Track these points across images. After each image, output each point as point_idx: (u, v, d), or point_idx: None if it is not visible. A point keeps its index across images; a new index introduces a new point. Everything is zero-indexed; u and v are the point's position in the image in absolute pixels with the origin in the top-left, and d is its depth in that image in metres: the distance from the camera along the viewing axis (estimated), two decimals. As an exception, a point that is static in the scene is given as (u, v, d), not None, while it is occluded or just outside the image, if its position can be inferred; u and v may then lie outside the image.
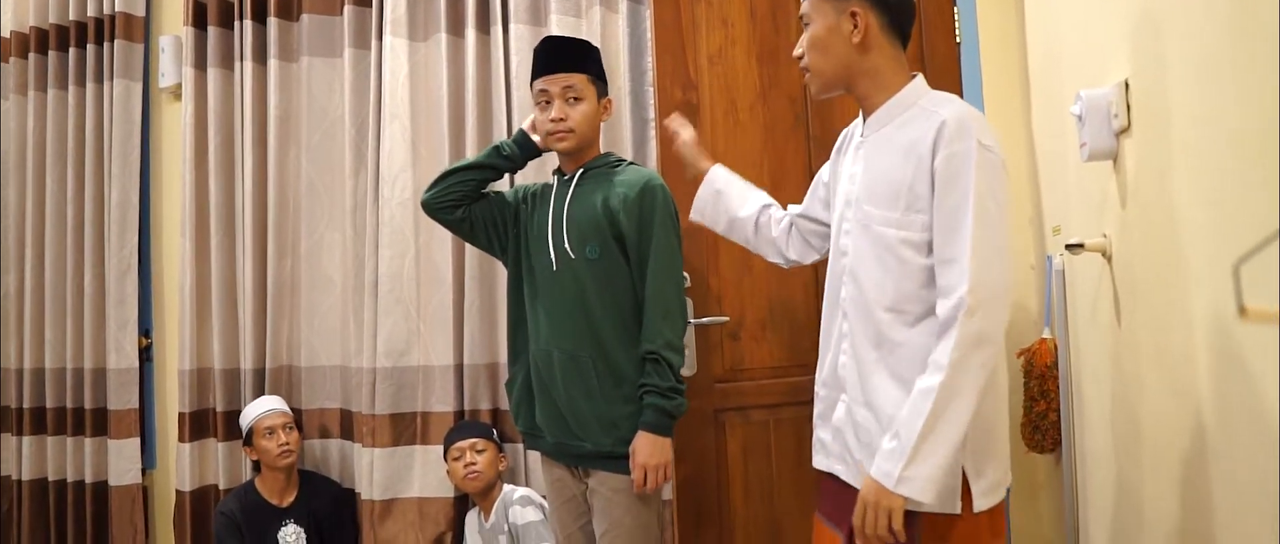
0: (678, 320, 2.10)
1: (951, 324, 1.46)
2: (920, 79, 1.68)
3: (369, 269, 2.93)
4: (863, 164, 1.68)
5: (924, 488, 1.46)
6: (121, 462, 3.29)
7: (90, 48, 3.41)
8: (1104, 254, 1.75)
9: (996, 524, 1.58)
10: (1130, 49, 1.51)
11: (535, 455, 2.80)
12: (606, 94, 2.22)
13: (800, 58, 1.73)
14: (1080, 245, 1.79)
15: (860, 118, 1.75)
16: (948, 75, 2.70)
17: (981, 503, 1.54)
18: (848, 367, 1.65)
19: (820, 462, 1.75)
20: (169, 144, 3.42)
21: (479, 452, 2.70)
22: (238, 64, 3.16)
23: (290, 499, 2.93)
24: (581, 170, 2.18)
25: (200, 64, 3.23)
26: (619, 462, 2.06)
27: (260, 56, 3.15)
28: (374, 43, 2.96)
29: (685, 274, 2.46)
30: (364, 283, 2.96)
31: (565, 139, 2.13)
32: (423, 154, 2.94)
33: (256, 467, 2.95)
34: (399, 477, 2.89)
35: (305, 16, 3.10)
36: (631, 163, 2.22)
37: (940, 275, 1.51)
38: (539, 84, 2.15)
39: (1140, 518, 1.62)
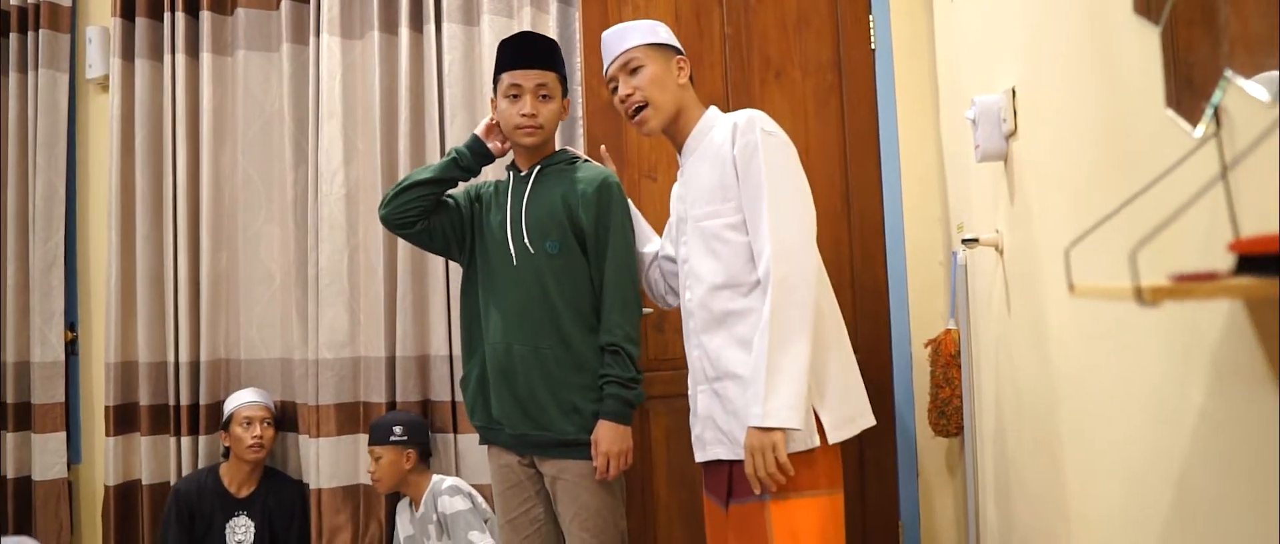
0: (634, 312, 2.15)
1: (767, 280, 1.79)
2: (714, 109, 2.07)
3: (311, 262, 2.97)
4: (685, 185, 2.03)
5: (788, 415, 1.73)
6: (46, 456, 3.26)
7: (14, 37, 3.37)
8: (996, 248, 1.89)
9: (835, 471, 1.88)
10: (1017, 59, 1.65)
11: (467, 444, 2.87)
12: (567, 94, 2.27)
13: (630, 97, 2.01)
14: (975, 240, 1.93)
15: (679, 154, 2.08)
16: (863, 81, 2.84)
17: (835, 435, 1.82)
18: (701, 358, 1.95)
19: (700, 456, 2.00)
20: (96, 136, 3.40)
21: (376, 459, 2.74)
22: (168, 56, 3.16)
23: (248, 491, 2.95)
24: (539, 166, 2.21)
25: (128, 55, 3.22)
26: (582, 449, 2.11)
27: (192, 49, 3.16)
28: (312, 39, 3.00)
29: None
30: (306, 276, 3.00)
31: (533, 134, 2.16)
32: (360, 149, 2.99)
33: (226, 453, 2.96)
34: (344, 465, 2.95)
35: (241, 11, 3.12)
36: (586, 160, 2.26)
37: (754, 245, 1.85)
38: (511, 78, 2.16)
39: (1021, 488, 1.76)
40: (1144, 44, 0.98)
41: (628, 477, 2.74)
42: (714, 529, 2.00)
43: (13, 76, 3.36)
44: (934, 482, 2.80)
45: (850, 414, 1.89)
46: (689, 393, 2.07)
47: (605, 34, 2.09)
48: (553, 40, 2.24)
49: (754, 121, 1.88)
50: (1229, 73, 0.78)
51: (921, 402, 2.76)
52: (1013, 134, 1.69)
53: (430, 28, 2.94)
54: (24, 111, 3.34)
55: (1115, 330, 1.14)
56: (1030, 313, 1.61)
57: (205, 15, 3.13)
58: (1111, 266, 1.10)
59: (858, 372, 1.97)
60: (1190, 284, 0.60)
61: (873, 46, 2.85)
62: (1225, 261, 0.68)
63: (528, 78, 2.15)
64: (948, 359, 2.42)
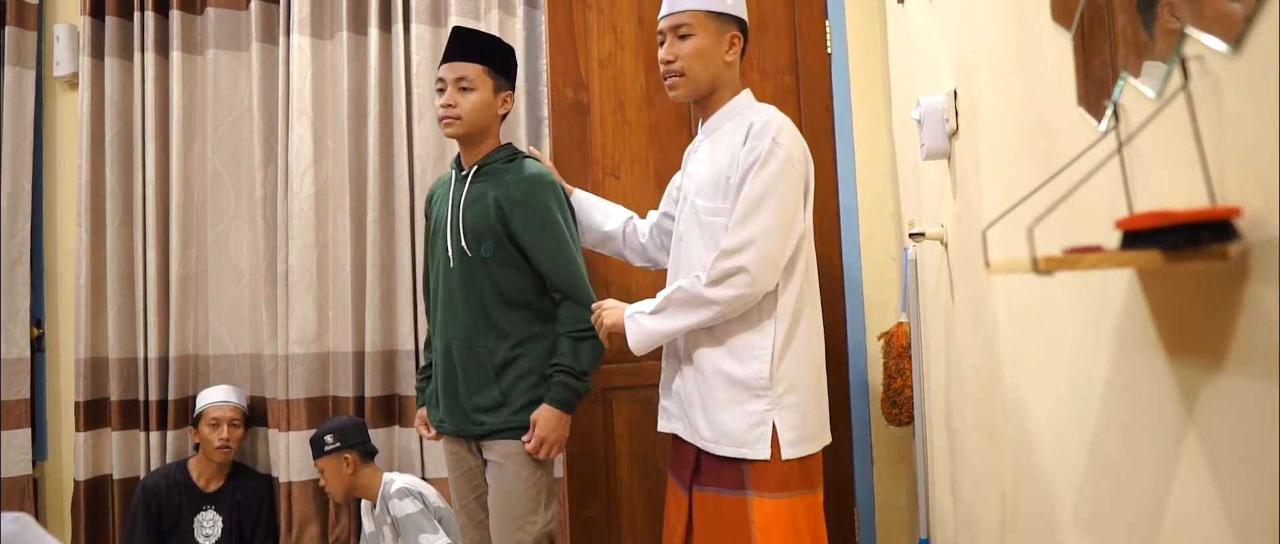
0: (583, 304, 2.18)
1: (709, 265, 1.86)
2: (748, 92, 2.05)
3: (280, 259, 3.01)
4: (697, 163, 2.03)
5: (633, 333, 1.94)
6: (11, 452, 3.27)
7: (-20, 35, 3.38)
8: (942, 241, 2.00)
9: (811, 473, 1.93)
10: (957, 63, 1.75)
11: (407, 435, 2.95)
12: (508, 88, 2.27)
13: (672, 62, 1.97)
14: (922, 234, 2.04)
15: (700, 124, 2.07)
16: (820, 84, 2.95)
17: (790, 452, 1.88)
18: (684, 336, 2.00)
19: (663, 425, 2.09)
20: (64, 133, 3.42)
21: (320, 472, 2.78)
22: (138, 55, 3.19)
23: (216, 486, 2.98)
24: (477, 166, 2.24)
25: (97, 53, 3.25)
26: (513, 432, 2.18)
27: (162, 48, 3.19)
28: (282, 39, 3.05)
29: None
30: (275, 273, 3.04)
31: (451, 125, 2.20)
32: (329, 148, 3.04)
33: (196, 448, 2.99)
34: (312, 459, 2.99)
35: (211, 10, 3.16)
36: (527, 157, 2.28)
37: (725, 233, 1.88)
38: (439, 73, 2.24)
39: (965, 468, 1.87)
40: (1060, 49, 1.08)
41: (590, 469, 2.82)
42: (675, 505, 2.06)
43: (-21, 74, 3.36)
44: (887, 470, 2.91)
45: (810, 433, 1.93)
46: (663, 359, 2.13)
47: None
48: (490, 36, 2.25)
49: (769, 129, 1.88)
50: (1124, 73, 0.88)
51: (875, 392, 2.86)
52: (954, 133, 1.80)
53: (399, 28, 3.00)
54: (-10, 109, 3.35)
55: (1041, 312, 1.24)
56: (971, 301, 1.72)
57: (175, 14, 3.17)
58: (1037, 251, 1.20)
59: (825, 392, 2.02)
60: (1078, 256, 0.70)
61: (829, 50, 2.95)
62: (1118, 239, 0.78)
63: (449, 71, 2.21)
64: (899, 350, 2.52)
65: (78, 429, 3.16)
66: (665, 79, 2.01)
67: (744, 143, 1.88)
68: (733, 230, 1.84)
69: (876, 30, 2.92)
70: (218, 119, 3.18)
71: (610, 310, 2.04)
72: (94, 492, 3.18)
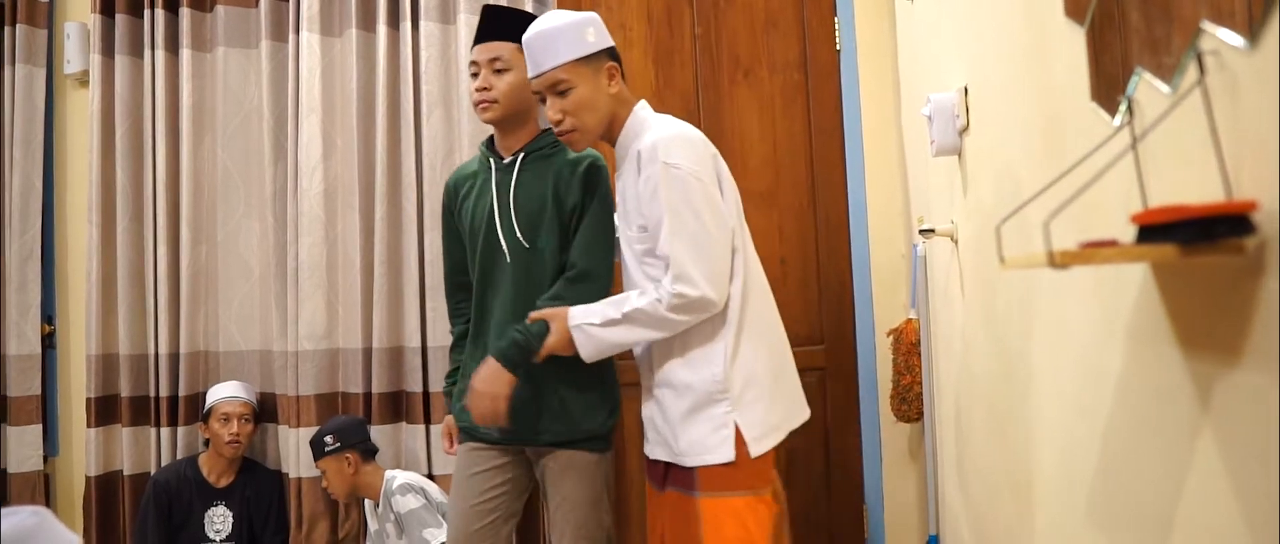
0: (588, 293, 2.03)
1: (664, 296, 1.83)
2: (641, 105, 1.98)
3: (290, 256, 3.02)
4: (619, 195, 2.02)
5: (583, 344, 1.91)
6: (22, 449, 3.29)
7: (-10, 33, 3.40)
8: (952, 238, 2.00)
9: (760, 473, 1.90)
10: (967, 58, 1.75)
11: (440, 434, 2.93)
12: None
13: (561, 120, 1.92)
14: (932, 230, 2.03)
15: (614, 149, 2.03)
16: (829, 81, 2.95)
17: (758, 448, 1.88)
18: (644, 359, 2.02)
19: (647, 449, 2.04)
20: (75, 131, 3.44)
21: (322, 473, 2.79)
22: (148, 52, 3.20)
23: (227, 481, 3.00)
24: (523, 153, 2.13)
25: (108, 51, 3.26)
26: (582, 443, 2.10)
27: (172, 46, 3.20)
28: (291, 36, 3.06)
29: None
30: (285, 270, 3.05)
31: (489, 109, 2.08)
32: (338, 145, 3.05)
33: (206, 444, 3.01)
34: (323, 454, 3.00)
35: (220, 8, 3.17)
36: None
37: (665, 264, 1.86)
38: (472, 57, 2.13)
39: (974, 464, 1.87)
40: (1072, 44, 1.08)
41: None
42: (653, 508, 2.08)
43: (-11, 71, 3.38)
44: (896, 466, 2.91)
45: (776, 423, 1.92)
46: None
47: (528, 38, 1.94)
48: (520, 12, 2.14)
49: (656, 152, 1.84)
50: (1138, 68, 0.88)
51: (884, 390, 2.86)
52: (965, 129, 1.80)
53: (407, 26, 3.01)
54: (0, 107, 3.37)
55: (1052, 308, 1.24)
56: (982, 297, 1.72)
57: (185, 12, 3.18)
58: (1053, 245, 1.20)
59: (792, 370, 2.02)
60: (1093, 250, 0.69)
61: (838, 47, 2.95)
62: (1133, 234, 0.78)
63: (482, 52, 2.10)
64: (909, 347, 2.53)
65: (89, 425, 3.18)
66: (561, 136, 1.96)
67: (639, 172, 1.87)
68: (674, 261, 1.82)
69: (885, 27, 2.91)
70: (227, 116, 3.19)
71: (557, 320, 1.95)
72: (105, 488, 3.20)
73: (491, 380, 1.96)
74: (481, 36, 2.11)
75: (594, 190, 2.09)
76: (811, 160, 2.95)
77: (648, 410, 2.01)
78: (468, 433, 2.19)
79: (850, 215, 2.94)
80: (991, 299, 1.63)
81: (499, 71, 2.09)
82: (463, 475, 2.19)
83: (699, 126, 2.95)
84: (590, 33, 1.93)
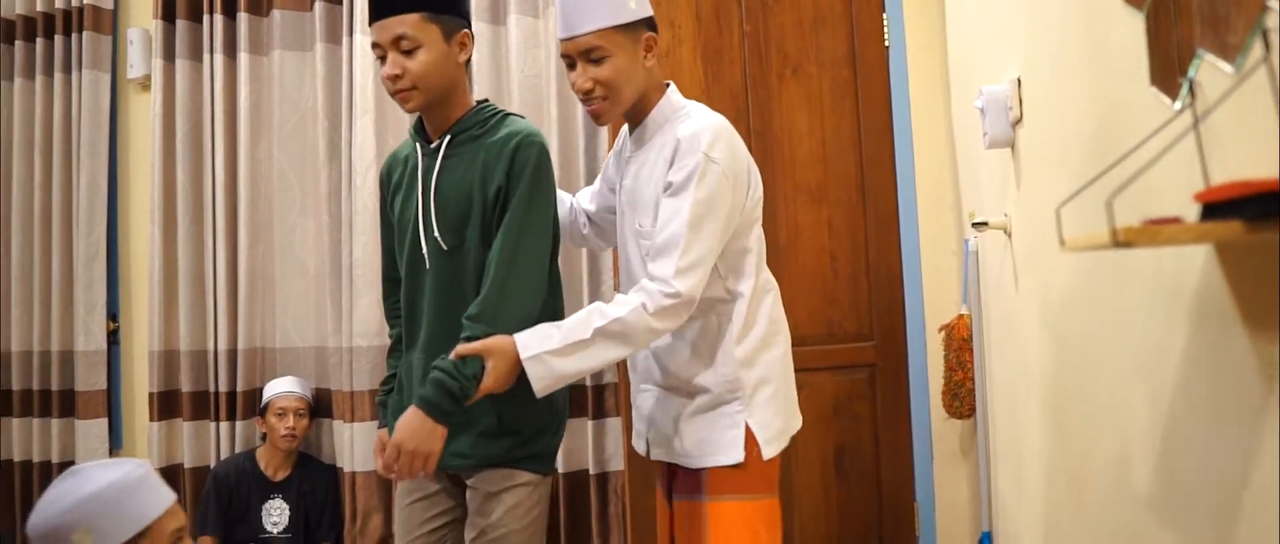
0: (520, 301, 1.73)
1: (653, 294, 1.65)
2: (673, 89, 1.84)
3: (344, 254, 3.08)
4: (631, 179, 1.84)
5: (541, 378, 1.65)
6: (89, 442, 3.39)
7: (58, 39, 3.50)
8: (1005, 231, 1.99)
9: (771, 476, 1.82)
10: (1021, 49, 1.74)
11: (339, 426, 3.00)
12: (462, 25, 1.81)
13: (590, 89, 1.74)
14: (984, 223, 2.02)
15: (626, 128, 1.89)
16: (877, 77, 2.94)
17: (769, 450, 1.77)
18: (648, 359, 1.89)
19: (639, 446, 1.95)
20: (137, 133, 3.53)
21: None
22: (207, 56, 3.28)
23: (283, 475, 3.06)
24: (449, 135, 1.82)
25: (169, 56, 3.34)
26: (512, 462, 1.80)
27: (230, 50, 3.28)
28: (345, 38, 3.12)
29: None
30: (340, 268, 3.11)
31: (408, 98, 1.77)
32: (391, 144, 3.10)
33: (263, 438, 3.08)
34: (377, 449, 3.06)
35: (276, 12, 3.24)
36: (510, 114, 1.88)
37: (653, 255, 1.68)
38: (371, 36, 1.78)
39: (1031, 458, 1.86)
40: (1131, 29, 1.08)
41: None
42: (661, 517, 1.98)
43: (57, 77, 3.49)
44: (948, 464, 2.89)
45: (782, 428, 1.83)
46: (631, 388, 2.00)
47: None
48: None
49: (699, 142, 1.68)
50: (1200, 50, 0.87)
51: (935, 386, 2.85)
52: (1018, 121, 1.79)
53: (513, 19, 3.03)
54: (68, 110, 3.47)
55: (1112, 293, 1.24)
56: (1037, 288, 1.71)
57: (242, 17, 3.26)
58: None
59: (793, 378, 1.91)
60: (1157, 227, 0.70)
61: (887, 43, 2.94)
62: (1197, 214, 0.78)
63: (381, 32, 1.75)
64: (960, 343, 2.51)
65: (151, 419, 3.27)
66: (586, 105, 1.78)
67: (672, 161, 1.70)
68: (682, 253, 1.65)
69: (935, 21, 2.90)
70: (283, 118, 3.26)
71: (498, 355, 1.67)
72: (166, 480, 3.25)
73: (419, 435, 1.65)
74: (377, 11, 1.75)
75: (521, 172, 1.75)
76: (861, 156, 2.94)
77: (646, 408, 1.90)
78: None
79: (900, 210, 2.93)
80: (1047, 291, 1.62)
81: (408, 51, 1.74)
82: (401, 503, 1.90)
83: (748, 123, 2.97)
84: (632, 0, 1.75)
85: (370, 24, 1.77)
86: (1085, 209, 1.27)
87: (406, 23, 1.73)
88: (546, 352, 1.66)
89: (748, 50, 2.98)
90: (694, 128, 1.71)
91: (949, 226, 2.88)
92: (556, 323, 1.71)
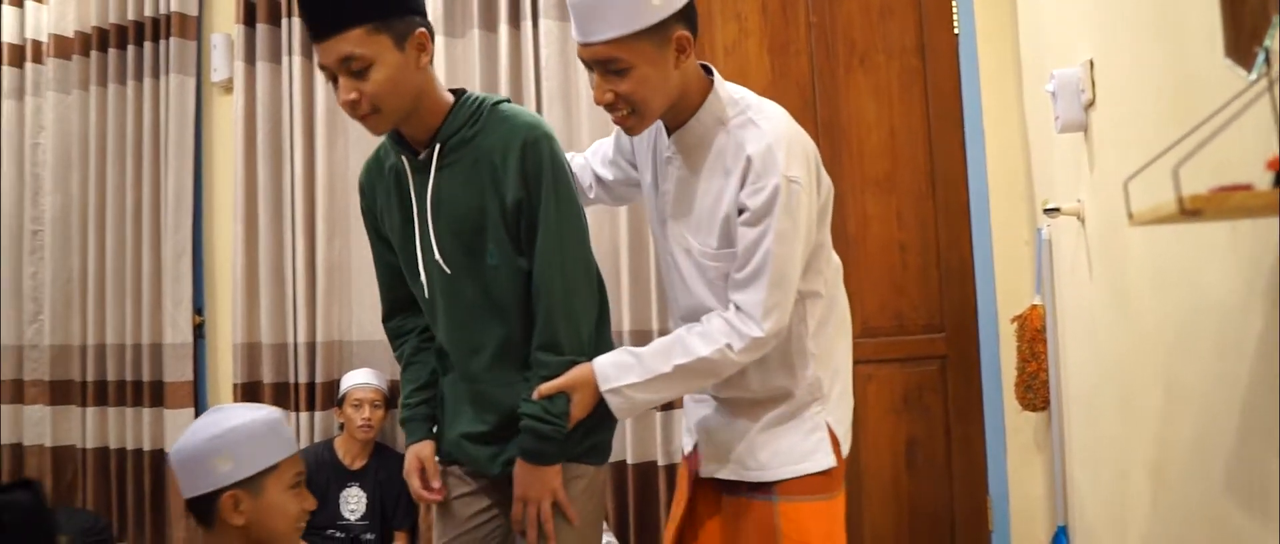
0: (581, 316, 1.62)
1: (735, 328, 1.53)
2: (718, 84, 1.60)
3: (418, 250, 3.16)
4: (674, 185, 1.65)
5: (621, 408, 1.59)
6: (177, 431, 3.52)
7: (147, 46, 3.64)
8: (1078, 217, 1.95)
9: (843, 469, 1.70)
10: (1093, 31, 1.71)
11: None
12: (416, 24, 1.55)
13: (614, 104, 1.53)
14: (1057, 209, 1.99)
15: (666, 134, 1.65)
16: (946, 64, 2.91)
17: (846, 447, 1.68)
18: None
19: (704, 471, 1.74)
20: (220, 134, 3.66)
21: None
22: (285, 59, 3.39)
23: (360, 464, 3.15)
24: (438, 145, 1.61)
25: (250, 59, 3.46)
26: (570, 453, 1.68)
27: (307, 52, 3.38)
28: (415, 37, 3.19)
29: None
30: (414, 262, 3.19)
31: (372, 121, 1.56)
32: (461, 139, 3.17)
33: (340, 428, 3.18)
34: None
35: (350, 14, 3.33)
36: (500, 102, 1.64)
37: (737, 288, 1.55)
38: (317, 58, 1.54)
39: (1107, 448, 1.82)
40: (1205, 2, 1.06)
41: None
42: (679, 505, 1.81)
43: (146, 82, 3.63)
44: (1022, 457, 2.84)
45: (848, 425, 1.72)
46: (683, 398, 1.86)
47: None
48: None
49: (775, 161, 1.50)
50: (1276, 17, 0.86)
51: (1008, 378, 2.80)
52: (1091, 103, 1.75)
53: (527, 25, 3.09)
54: (156, 113, 3.62)
55: (1189, 276, 1.21)
56: (1111, 274, 1.67)
57: (319, 19, 3.35)
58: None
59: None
60: (1225, 193, 0.69)
61: (956, 31, 2.91)
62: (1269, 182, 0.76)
63: (326, 54, 1.50)
64: (1034, 333, 2.47)
65: (236, 410, 3.38)
66: (613, 118, 1.58)
67: (744, 182, 1.52)
68: (766, 295, 1.52)
69: (1005, 6, 2.85)
70: (359, 117, 3.35)
71: (581, 387, 1.59)
72: (250, 469, 3.39)
73: (536, 485, 1.60)
74: (315, 31, 1.50)
75: (538, 177, 1.58)
76: (930, 145, 2.91)
77: (704, 421, 1.74)
78: (444, 458, 1.80)
79: (971, 199, 2.89)
80: (1121, 276, 1.59)
81: (359, 72, 1.50)
82: (444, 505, 1.79)
83: (815, 115, 2.96)
84: None
85: (314, 43, 1.52)
86: (1160, 186, 1.25)
87: (350, 41, 1.48)
88: (626, 386, 1.58)
89: (814, 41, 2.97)
90: (766, 143, 1.52)
91: (1022, 215, 2.83)
92: (635, 352, 1.60)
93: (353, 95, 1.50)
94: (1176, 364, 1.30)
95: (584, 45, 1.51)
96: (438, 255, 1.62)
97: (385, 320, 1.86)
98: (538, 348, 1.60)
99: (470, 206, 1.60)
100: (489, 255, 1.61)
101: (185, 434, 1.62)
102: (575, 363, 1.59)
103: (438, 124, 1.60)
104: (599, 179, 1.89)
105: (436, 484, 1.74)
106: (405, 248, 1.68)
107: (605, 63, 1.49)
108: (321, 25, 1.48)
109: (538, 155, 1.56)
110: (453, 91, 1.64)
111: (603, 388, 1.57)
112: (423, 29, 1.55)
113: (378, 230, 1.76)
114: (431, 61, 1.58)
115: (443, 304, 1.67)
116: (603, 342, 1.67)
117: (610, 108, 1.54)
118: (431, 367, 1.78)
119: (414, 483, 1.74)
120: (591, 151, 1.94)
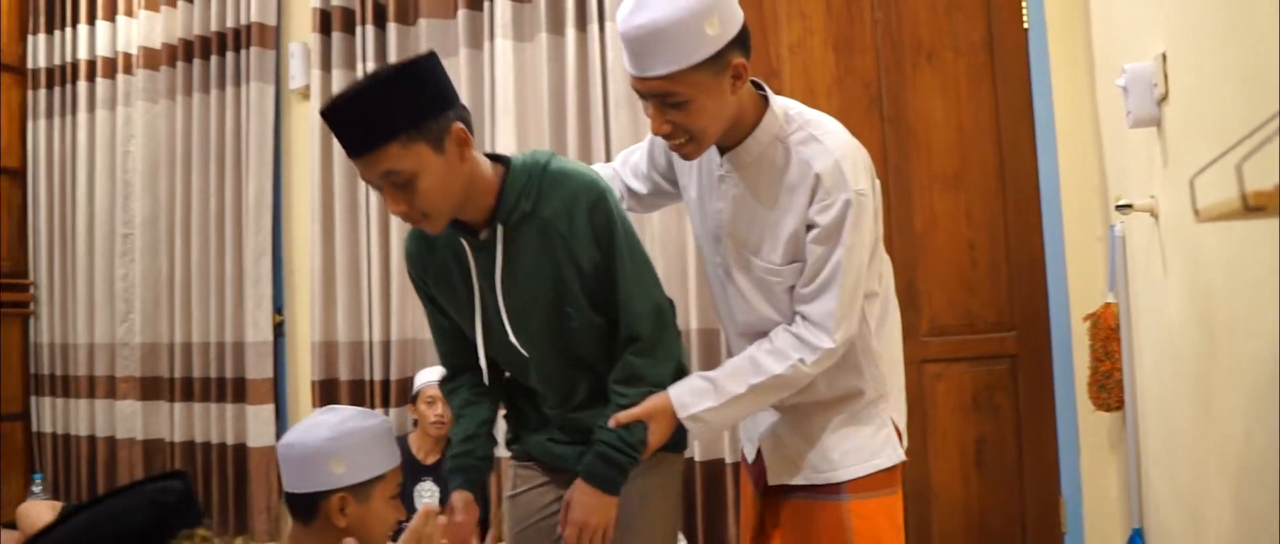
0: (665, 360, 1.64)
1: (807, 341, 1.56)
2: (774, 102, 1.61)
3: (488, 252, 3.23)
4: (730, 203, 1.64)
5: (700, 433, 1.64)
6: (258, 426, 3.66)
7: (229, 56, 3.79)
8: (1152, 213, 1.92)
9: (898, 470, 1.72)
10: (1166, 24, 1.68)
11: None
12: (453, 120, 1.50)
13: (671, 134, 1.54)
14: (1130, 206, 1.96)
15: (720, 153, 1.64)
16: (1016, 60, 2.87)
17: (907, 439, 1.72)
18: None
19: (773, 479, 1.74)
20: (298, 140, 3.78)
21: None
22: (360, 65, 3.49)
23: (433, 459, 3.23)
24: (499, 224, 1.58)
25: (326, 67, 3.57)
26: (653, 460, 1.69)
27: (381, 58, 3.47)
28: (486, 43, 3.26)
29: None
30: (483, 263, 3.26)
31: (431, 226, 1.54)
32: (532, 144, 3.23)
33: (414, 424, 3.27)
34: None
35: (422, 21, 3.42)
36: (547, 165, 1.61)
37: (805, 301, 1.58)
38: (360, 171, 1.51)
39: (1183, 448, 1.79)
40: (1279, -6, 1.04)
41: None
42: (748, 511, 1.84)
43: (228, 90, 3.78)
44: (1095, 457, 2.79)
45: (905, 419, 1.75)
46: None
47: (628, 31, 1.47)
48: (372, 86, 1.46)
49: (845, 178, 1.52)
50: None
51: (1081, 377, 2.75)
52: (1164, 98, 1.73)
53: (594, 27, 3.13)
54: (238, 120, 3.75)
55: (1263, 271, 1.19)
56: (1185, 271, 1.65)
57: (391, 27, 3.44)
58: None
59: None
60: (1292, 190, 0.69)
61: (1026, 25, 2.87)
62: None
63: (367, 170, 1.48)
64: (1107, 332, 2.43)
65: (313, 406, 3.50)
66: (670, 145, 1.58)
67: (813, 198, 1.54)
68: (831, 302, 1.54)
69: (1076, 1, 2.80)
70: (431, 121, 3.43)
71: (658, 416, 1.60)
72: (328, 463, 3.51)
73: (597, 511, 1.59)
74: (351, 151, 1.48)
75: (609, 236, 1.59)
76: (999, 141, 2.87)
77: (765, 430, 1.75)
78: (520, 457, 1.86)
79: (1042, 196, 2.84)
80: (1195, 273, 1.57)
81: (402, 185, 1.47)
82: (507, 498, 1.86)
83: (882, 112, 2.95)
84: (711, 24, 1.45)
85: (352, 158, 1.49)
86: (1230, 185, 1.23)
87: (388, 157, 1.44)
88: (704, 410, 1.59)
89: (880, 38, 2.95)
90: (833, 159, 1.53)
91: (1094, 212, 2.78)
92: (709, 376, 1.61)
93: (402, 208, 1.49)
94: (1254, 364, 1.28)
95: (639, 79, 1.49)
96: (512, 337, 1.63)
97: (443, 382, 1.85)
98: (621, 381, 1.63)
99: (547, 278, 1.60)
100: (568, 319, 1.62)
101: (298, 430, 1.60)
102: (652, 393, 1.61)
103: (492, 203, 1.58)
104: (630, 191, 1.90)
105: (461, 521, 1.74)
106: (471, 322, 1.67)
107: (662, 96, 1.49)
108: (355, 145, 1.46)
109: (606, 216, 1.58)
110: (494, 158, 1.62)
111: (681, 416, 1.59)
112: (458, 122, 1.51)
113: (431, 298, 1.75)
114: (473, 149, 1.54)
115: (533, 366, 1.68)
116: (680, 375, 1.67)
117: (668, 137, 1.55)
118: (480, 419, 1.79)
119: (450, 517, 1.72)
120: (620, 161, 1.93)
